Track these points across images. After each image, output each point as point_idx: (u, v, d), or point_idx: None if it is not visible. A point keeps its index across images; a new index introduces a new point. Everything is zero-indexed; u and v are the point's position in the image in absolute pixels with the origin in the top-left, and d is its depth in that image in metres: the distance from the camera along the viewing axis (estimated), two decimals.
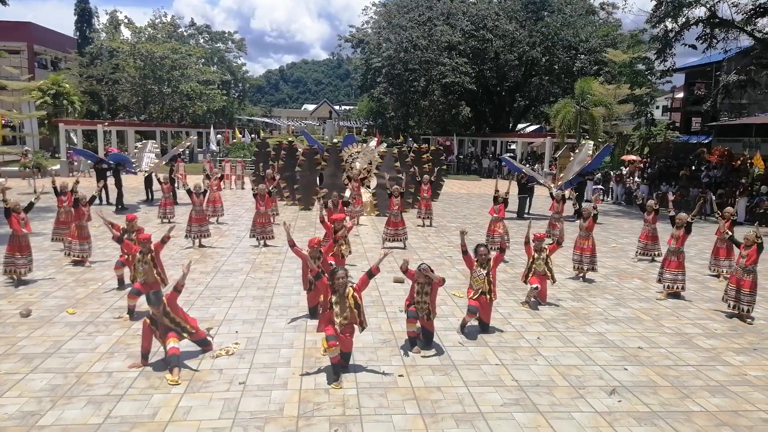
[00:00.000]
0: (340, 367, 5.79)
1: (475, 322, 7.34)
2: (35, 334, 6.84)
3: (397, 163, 18.14)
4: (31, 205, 9.48)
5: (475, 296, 7.15)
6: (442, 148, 23.16)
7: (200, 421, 4.95)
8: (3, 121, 25.95)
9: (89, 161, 23.36)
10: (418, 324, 6.66)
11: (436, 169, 19.25)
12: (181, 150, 23.18)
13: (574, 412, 5.32)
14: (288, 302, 8.45)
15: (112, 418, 4.95)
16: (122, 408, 5.13)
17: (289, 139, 23.54)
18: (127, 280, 8.37)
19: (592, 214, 10.03)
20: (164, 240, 7.63)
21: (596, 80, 28.64)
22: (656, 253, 11.80)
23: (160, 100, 41.59)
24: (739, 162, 23.28)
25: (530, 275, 8.54)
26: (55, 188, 11.66)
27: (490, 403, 5.46)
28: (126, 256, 8.27)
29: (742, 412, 5.45)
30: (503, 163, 31.14)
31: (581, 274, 10.23)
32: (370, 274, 6.13)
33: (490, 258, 7.27)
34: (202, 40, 52.97)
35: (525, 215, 17.42)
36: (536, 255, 8.49)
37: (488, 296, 7.13)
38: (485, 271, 7.14)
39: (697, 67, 34.08)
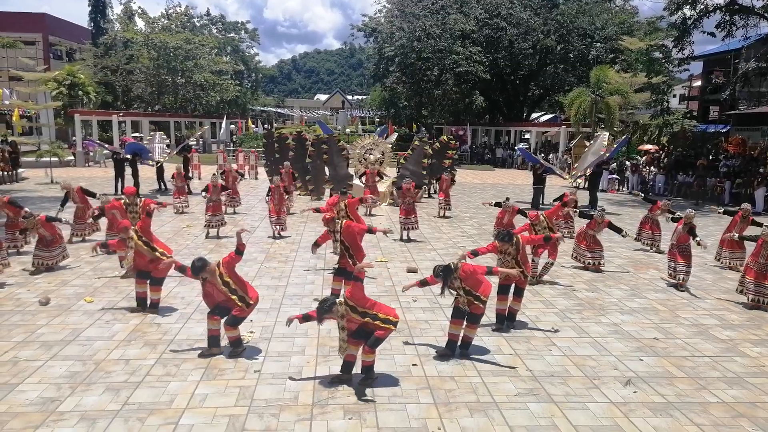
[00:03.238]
0: (351, 365, 5.57)
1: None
2: (54, 322, 6.95)
3: (425, 160, 17.85)
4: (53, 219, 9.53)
5: (504, 276, 6.94)
6: (453, 138, 22.64)
7: (216, 408, 5.01)
8: (20, 112, 26.20)
9: (105, 152, 23.60)
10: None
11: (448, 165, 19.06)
12: (192, 141, 23.30)
13: (588, 403, 5.30)
14: (302, 291, 8.50)
15: (130, 405, 5.03)
16: (140, 395, 5.20)
17: (298, 129, 23.54)
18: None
19: (603, 220, 9.96)
20: (149, 213, 7.74)
21: (612, 68, 28.23)
22: (659, 244, 11.88)
23: (174, 91, 41.74)
24: (757, 151, 22.91)
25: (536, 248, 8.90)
26: (66, 194, 11.34)
27: (504, 392, 5.45)
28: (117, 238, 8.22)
29: (760, 403, 5.40)
30: (519, 153, 30.94)
31: (584, 266, 10.19)
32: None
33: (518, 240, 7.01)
34: (215, 30, 52.99)
35: (540, 206, 17.30)
36: (536, 226, 8.88)
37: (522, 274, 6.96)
38: (511, 256, 6.92)
39: (715, 54, 33.45)
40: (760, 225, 10.24)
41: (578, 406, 5.23)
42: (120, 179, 18.33)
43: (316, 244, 8.14)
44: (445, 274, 5.87)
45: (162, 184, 19.40)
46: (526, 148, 29.90)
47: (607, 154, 18.42)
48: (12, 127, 27.47)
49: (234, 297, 5.93)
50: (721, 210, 11.50)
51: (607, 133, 19.99)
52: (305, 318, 5.56)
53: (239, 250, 6.11)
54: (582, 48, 34.84)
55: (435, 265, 6.08)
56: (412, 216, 12.46)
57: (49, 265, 9.14)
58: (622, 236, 10.03)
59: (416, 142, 18.78)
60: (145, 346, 6.31)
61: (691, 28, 21.81)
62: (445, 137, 20.37)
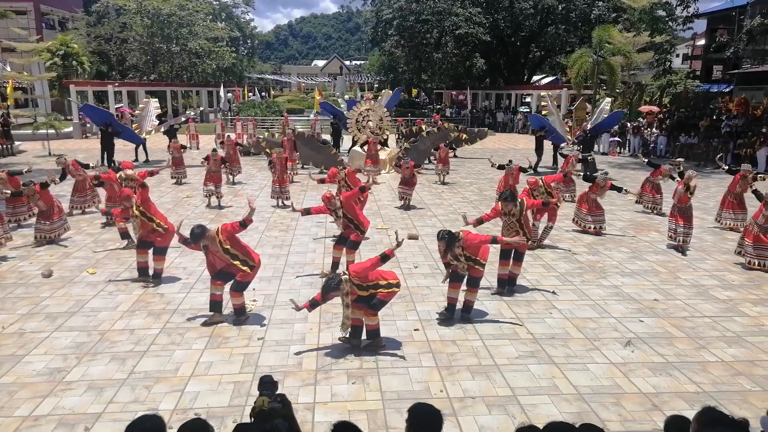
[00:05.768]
0: (359, 330, 5.60)
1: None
2: (58, 294, 7.00)
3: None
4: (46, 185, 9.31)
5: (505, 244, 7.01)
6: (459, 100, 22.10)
7: (221, 375, 5.08)
8: (14, 84, 25.84)
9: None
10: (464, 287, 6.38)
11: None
12: (182, 120, 22.39)
13: (589, 364, 5.37)
14: (303, 260, 8.53)
15: (136, 374, 5.09)
16: (145, 364, 5.27)
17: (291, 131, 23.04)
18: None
19: (605, 183, 9.88)
20: (143, 184, 7.72)
21: (615, 28, 27.68)
22: (661, 207, 11.89)
23: (169, 59, 41.13)
24: (760, 111, 22.64)
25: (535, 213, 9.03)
26: (63, 170, 10.80)
27: (506, 355, 5.52)
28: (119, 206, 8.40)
29: (759, 362, 5.46)
30: (522, 115, 30.56)
31: (586, 230, 10.19)
32: (384, 257, 5.46)
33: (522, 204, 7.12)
34: None
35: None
36: (535, 191, 9.01)
37: (524, 237, 7.03)
38: (515, 218, 7.05)
39: (720, 11, 32.80)
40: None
41: (579, 367, 5.29)
42: (107, 152, 17.89)
43: (307, 211, 7.82)
44: (449, 240, 5.90)
45: (145, 154, 19.31)
46: (527, 111, 29.59)
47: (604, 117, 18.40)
48: (6, 99, 27.12)
49: (236, 262, 5.95)
50: (726, 167, 11.37)
51: (558, 92, 19.92)
52: (313, 304, 5.51)
53: (245, 223, 6.06)
54: (584, 7, 34.13)
55: (439, 230, 6.11)
56: (410, 188, 12.36)
57: (50, 238, 9.16)
58: (624, 193, 10.13)
59: (446, 125, 18.84)
60: (149, 316, 6.36)
61: None
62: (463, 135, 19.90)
